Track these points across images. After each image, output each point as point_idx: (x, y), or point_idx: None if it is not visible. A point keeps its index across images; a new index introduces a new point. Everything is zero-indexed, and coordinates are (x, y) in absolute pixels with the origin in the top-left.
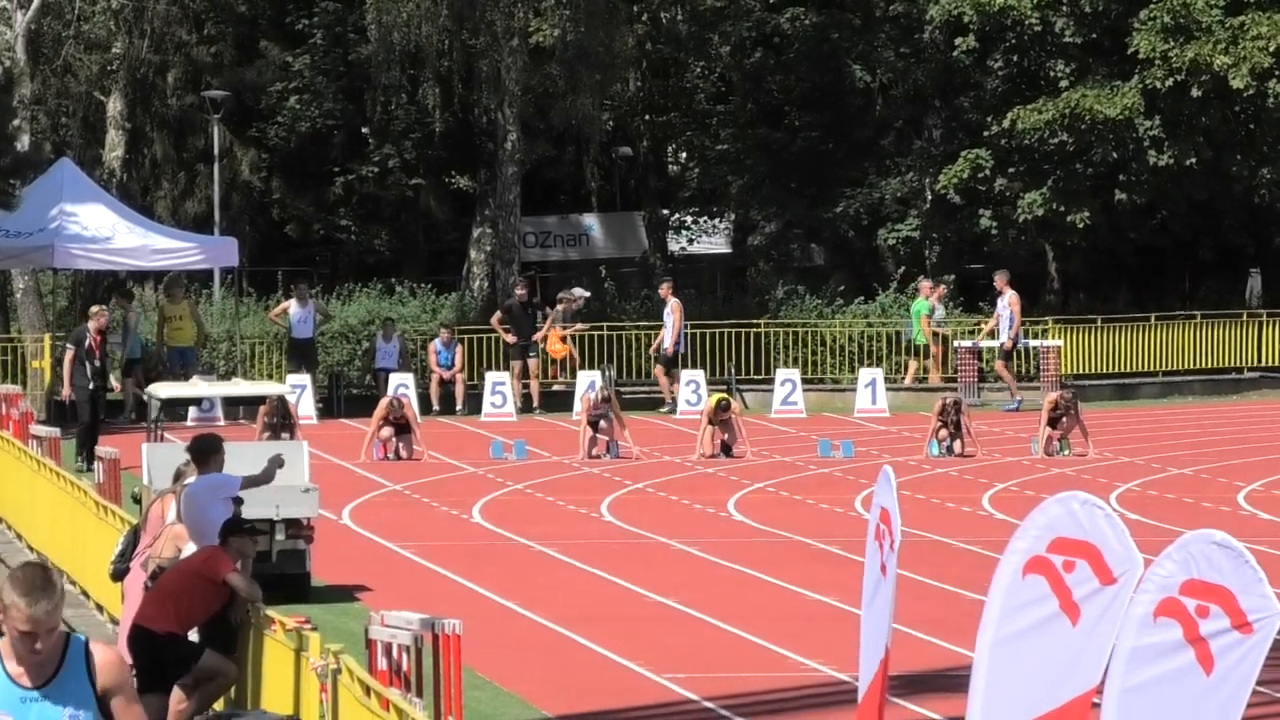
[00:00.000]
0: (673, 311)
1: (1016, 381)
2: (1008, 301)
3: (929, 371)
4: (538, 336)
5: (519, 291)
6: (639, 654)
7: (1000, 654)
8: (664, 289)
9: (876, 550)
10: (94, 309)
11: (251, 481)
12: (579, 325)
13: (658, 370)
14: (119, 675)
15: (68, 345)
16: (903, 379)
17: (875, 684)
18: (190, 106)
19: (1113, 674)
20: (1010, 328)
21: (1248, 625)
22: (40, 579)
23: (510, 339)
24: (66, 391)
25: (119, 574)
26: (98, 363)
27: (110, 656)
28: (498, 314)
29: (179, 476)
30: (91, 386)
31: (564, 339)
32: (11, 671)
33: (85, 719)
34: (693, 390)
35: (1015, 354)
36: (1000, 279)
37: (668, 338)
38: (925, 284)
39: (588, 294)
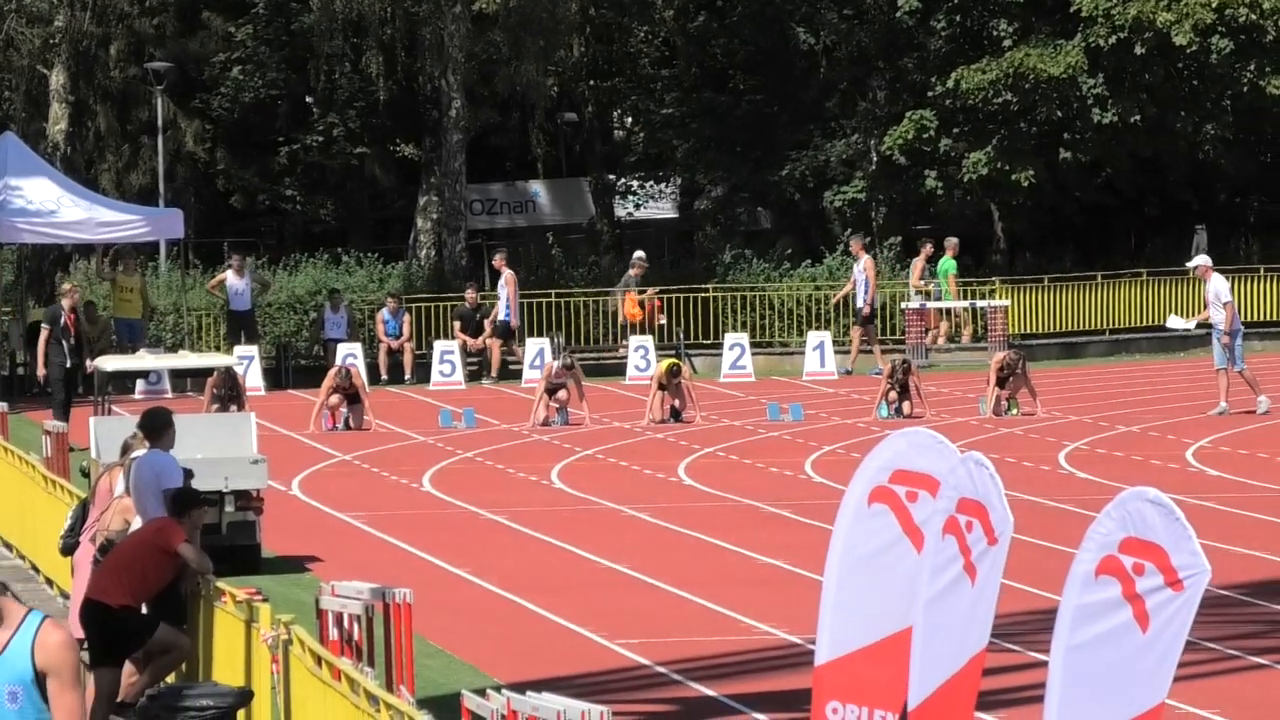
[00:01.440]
0: (507, 284)
1: (879, 348)
2: (863, 266)
3: (961, 331)
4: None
5: (468, 295)
6: (591, 620)
7: (922, 619)
8: (498, 260)
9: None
10: (65, 286)
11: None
12: (652, 290)
13: (493, 342)
14: (58, 657)
15: (42, 324)
16: (930, 344)
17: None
18: (133, 79)
19: (1058, 633)
20: (866, 293)
21: (1179, 583)
22: None
23: (471, 344)
24: (41, 370)
25: (68, 549)
26: (73, 340)
27: (53, 637)
28: (457, 324)
29: (126, 450)
30: (68, 365)
31: (640, 303)
32: None
33: (24, 695)
34: (641, 356)
35: (875, 319)
36: (856, 243)
37: (503, 310)
38: (952, 243)
39: (643, 254)
